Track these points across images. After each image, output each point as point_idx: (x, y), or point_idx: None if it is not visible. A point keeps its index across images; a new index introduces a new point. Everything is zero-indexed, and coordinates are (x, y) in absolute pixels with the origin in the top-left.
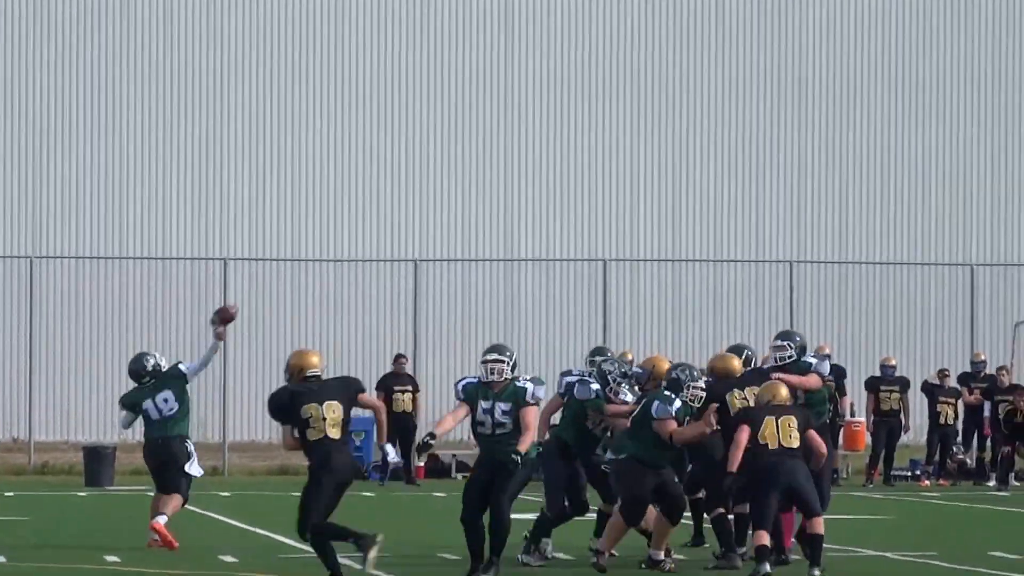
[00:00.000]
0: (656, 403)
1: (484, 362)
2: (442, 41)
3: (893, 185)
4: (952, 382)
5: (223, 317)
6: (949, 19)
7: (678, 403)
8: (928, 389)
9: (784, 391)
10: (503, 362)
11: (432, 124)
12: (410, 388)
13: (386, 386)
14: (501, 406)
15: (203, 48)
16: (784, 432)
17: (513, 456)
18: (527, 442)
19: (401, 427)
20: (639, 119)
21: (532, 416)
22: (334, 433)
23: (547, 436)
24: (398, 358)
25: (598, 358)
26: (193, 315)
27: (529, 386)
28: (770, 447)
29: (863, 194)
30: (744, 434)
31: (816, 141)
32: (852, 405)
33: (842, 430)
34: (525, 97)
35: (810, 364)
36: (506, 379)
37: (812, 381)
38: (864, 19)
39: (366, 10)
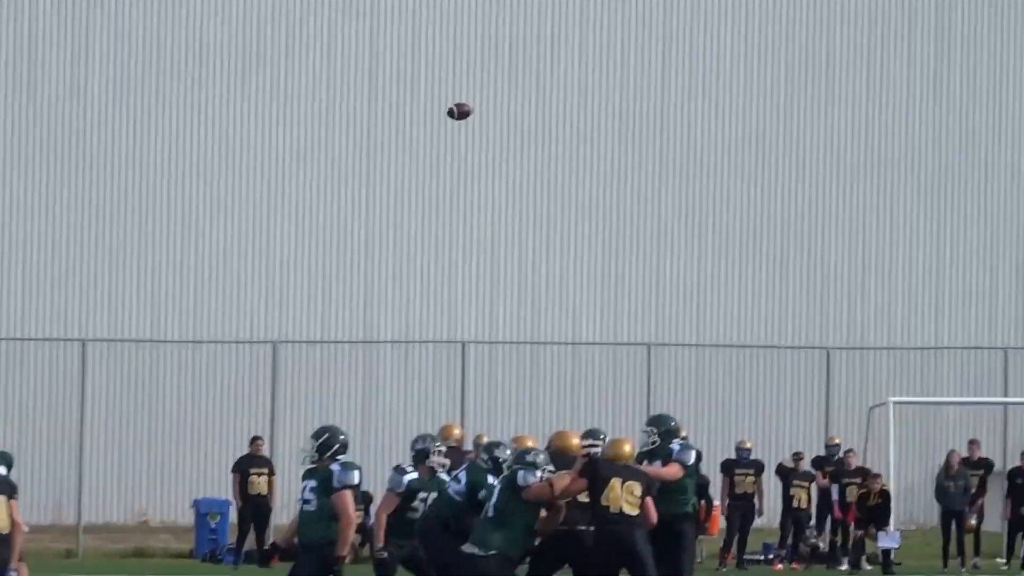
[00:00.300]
0: (520, 473)
1: None
2: (297, 122)
3: (750, 267)
4: (806, 465)
5: (461, 111)
6: (808, 105)
7: (539, 472)
8: (783, 472)
9: (627, 448)
10: (311, 444)
11: (290, 205)
12: (266, 471)
13: (242, 468)
14: (310, 483)
15: (59, 127)
16: (627, 498)
17: (335, 568)
18: (345, 541)
19: (256, 510)
20: (497, 200)
21: (341, 503)
22: (5, 526)
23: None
24: (255, 440)
25: (429, 448)
26: (51, 397)
27: (336, 469)
28: (611, 510)
29: (720, 276)
30: (580, 484)
31: (674, 222)
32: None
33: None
34: (384, 177)
35: (671, 452)
36: (314, 463)
37: (670, 471)
38: (720, 104)
39: (214, 105)
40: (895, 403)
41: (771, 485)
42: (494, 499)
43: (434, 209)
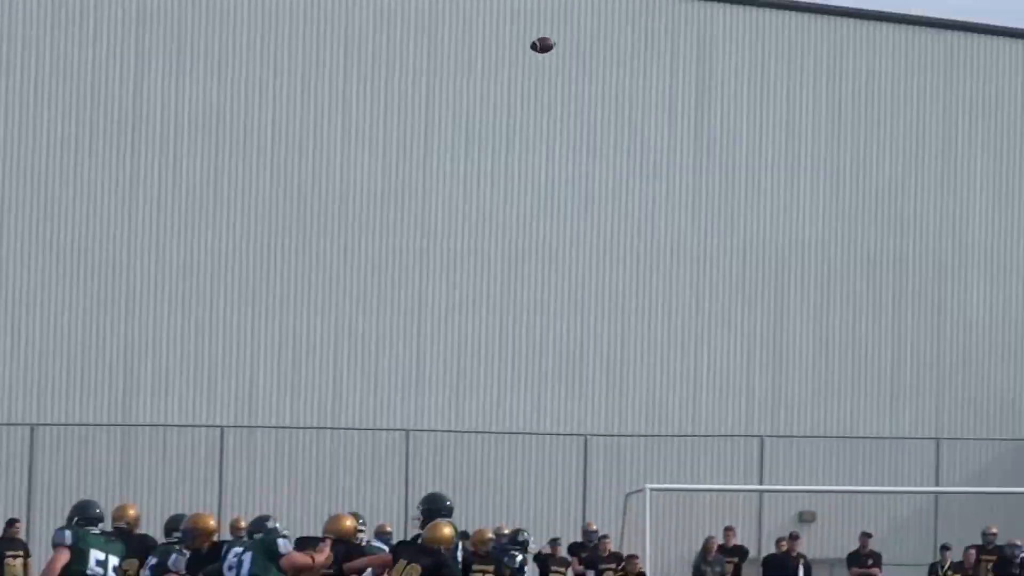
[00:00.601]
0: (280, 541)
1: None
2: (48, 213)
3: (509, 352)
4: (563, 551)
5: (544, 44)
6: (564, 186)
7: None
8: (540, 558)
9: (447, 531)
10: None
11: (47, 289)
12: (22, 553)
13: None
14: None
15: None
16: None
17: None
18: None
19: None
20: (255, 281)
21: (50, 559)
22: None
23: None
24: (11, 523)
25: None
26: None
27: (55, 531)
28: None
29: (478, 362)
30: (385, 559)
31: (432, 306)
32: None
33: None
34: (136, 260)
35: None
36: None
37: None
38: (466, 194)
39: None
40: (652, 490)
41: (529, 571)
42: (247, 567)
43: (192, 291)
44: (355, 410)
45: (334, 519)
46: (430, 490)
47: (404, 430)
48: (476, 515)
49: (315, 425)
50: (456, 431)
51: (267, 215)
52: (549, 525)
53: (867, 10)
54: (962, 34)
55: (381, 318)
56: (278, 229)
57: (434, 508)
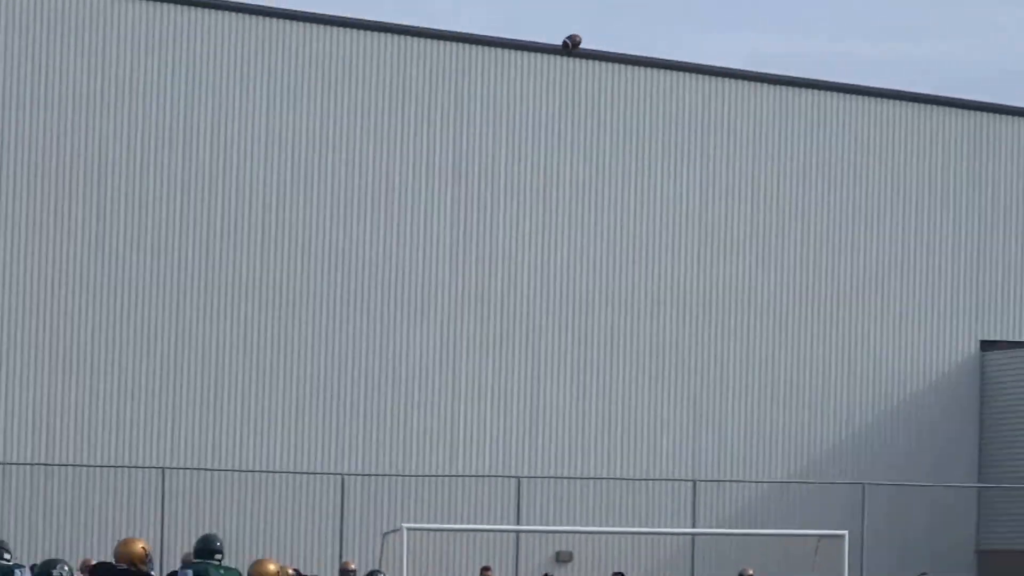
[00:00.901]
0: None
1: None
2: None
3: (267, 391)
4: None
5: (574, 41)
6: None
7: None
8: None
9: (271, 567)
10: None
11: None
12: None
13: None
14: None
15: None
16: None
17: None
18: None
19: None
20: (45, 319)
21: None
22: None
23: None
24: None
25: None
26: None
27: None
28: None
29: (235, 399)
30: None
31: (188, 342)
32: None
33: None
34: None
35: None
36: None
37: None
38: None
39: None
40: (408, 529)
41: None
42: None
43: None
44: (110, 447)
45: (125, 543)
46: (185, 528)
47: (160, 468)
48: (233, 554)
49: (69, 462)
50: (212, 469)
51: (26, 253)
52: (306, 564)
53: (632, 55)
54: (722, 79)
55: (136, 353)
56: (44, 271)
57: (206, 548)
